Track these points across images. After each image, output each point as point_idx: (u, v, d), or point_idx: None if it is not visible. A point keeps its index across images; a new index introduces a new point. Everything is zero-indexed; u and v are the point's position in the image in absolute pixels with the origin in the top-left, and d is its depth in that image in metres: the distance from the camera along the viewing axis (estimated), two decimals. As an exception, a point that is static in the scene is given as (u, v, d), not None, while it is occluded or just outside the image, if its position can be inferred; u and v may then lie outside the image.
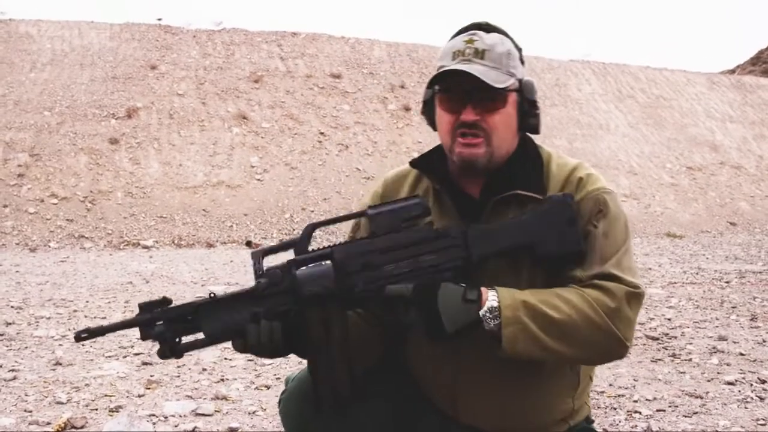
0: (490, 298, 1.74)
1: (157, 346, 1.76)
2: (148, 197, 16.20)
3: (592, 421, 2.16)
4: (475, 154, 1.88)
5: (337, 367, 1.77)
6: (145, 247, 14.03)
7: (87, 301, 7.41)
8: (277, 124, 19.61)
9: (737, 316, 6.66)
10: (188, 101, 19.67)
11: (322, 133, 19.64)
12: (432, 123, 2.02)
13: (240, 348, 1.77)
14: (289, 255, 1.79)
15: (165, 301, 1.76)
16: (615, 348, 1.77)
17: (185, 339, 1.78)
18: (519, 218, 1.84)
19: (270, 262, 1.73)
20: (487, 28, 1.96)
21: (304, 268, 1.76)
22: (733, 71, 37.51)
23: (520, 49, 1.97)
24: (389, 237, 1.80)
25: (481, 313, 1.73)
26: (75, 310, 6.84)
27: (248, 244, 14.46)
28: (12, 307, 7.01)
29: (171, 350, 1.76)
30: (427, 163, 2.03)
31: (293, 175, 17.91)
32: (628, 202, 20.39)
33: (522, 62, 1.97)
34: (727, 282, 9.11)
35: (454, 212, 1.95)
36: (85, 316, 6.54)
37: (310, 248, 1.79)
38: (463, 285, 1.75)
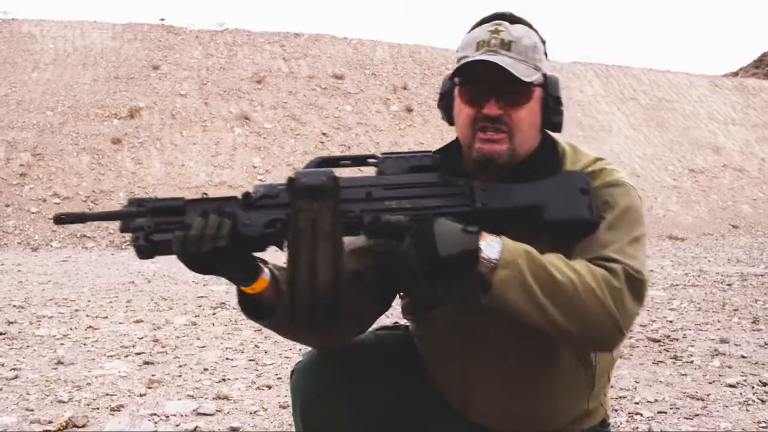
0: (492, 237, 1.65)
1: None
2: (150, 197, 16.19)
3: (608, 424, 2.10)
4: (497, 150, 1.79)
5: (320, 271, 1.61)
6: (147, 247, 14.04)
7: (89, 301, 7.42)
8: (279, 124, 19.61)
9: (739, 318, 6.65)
10: (191, 101, 19.68)
11: (324, 134, 19.64)
12: (449, 116, 1.93)
13: (178, 245, 1.60)
14: None
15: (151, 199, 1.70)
16: (610, 331, 1.65)
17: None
18: (530, 182, 1.76)
19: None
20: (512, 18, 1.86)
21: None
22: (736, 74, 37.47)
23: (544, 42, 1.89)
24: (395, 176, 1.75)
25: (481, 243, 1.62)
26: (77, 310, 6.85)
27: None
28: (14, 306, 7.02)
29: (154, 247, 1.65)
30: (444, 156, 1.90)
31: (295, 175, 17.90)
32: (630, 204, 20.36)
33: (546, 56, 1.89)
34: (729, 285, 9.10)
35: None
36: (87, 316, 6.55)
37: None
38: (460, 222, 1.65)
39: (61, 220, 1.64)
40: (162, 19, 23.44)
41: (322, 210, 1.61)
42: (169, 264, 11.17)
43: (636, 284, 1.67)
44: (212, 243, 1.58)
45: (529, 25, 1.88)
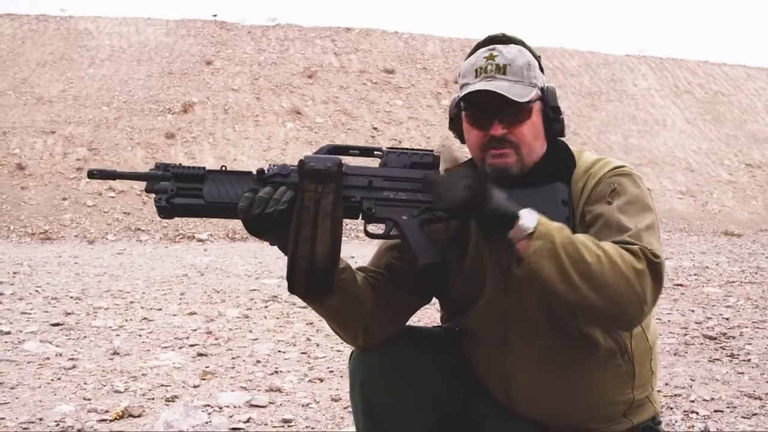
0: (530, 210, 1.76)
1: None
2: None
3: (660, 422, 2.11)
4: (508, 163, 1.94)
5: (318, 244, 1.80)
6: (200, 240, 14.22)
7: (143, 293, 7.53)
8: (330, 119, 19.69)
9: (798, 316, 6.50)
10: (243, 96, 19.86)
11: (375, 128, 19.67)
12: (460, 137, 2.09)
13: (244, 209, 1.80)
14: None
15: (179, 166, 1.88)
16: (634, 307, 1.72)
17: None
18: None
19: None
20: (504, 40, 2.02)
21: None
22: (794, 66, 36.61)
23: (538, 57, 2.03)
24: (396, 169, 1.93)
25: (520, 211, 1.74)
26: (132, 302, 6.96)
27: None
28: (71, 297, 7.15)
29: (174, 207, 1.85)
30: None
31: (346, 170, 17.96)
32: (685, 199, 20.08)
33: (542, 70, 2.03)
34: (787, 281, 8.91)
35: None
36: (142, 307, 6.65)
37: None
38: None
39: (93, 175, 1.87)
40: (215, 15, 23.73)
41: (326, 192, 1.79)
42: (222, 257, 11.30)
43: (655, 266, 1.75)
44: (275, 206, 1.79)
45: (522, 44, 2.03)
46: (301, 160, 1.82)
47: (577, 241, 1.73)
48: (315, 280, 1.83)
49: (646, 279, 1.72)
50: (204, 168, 1.88)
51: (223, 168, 1.90)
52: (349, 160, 1.89)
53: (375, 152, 1.97)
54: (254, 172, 1.88)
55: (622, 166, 1.95)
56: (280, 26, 23.64)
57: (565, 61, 25.41)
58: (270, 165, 1.89)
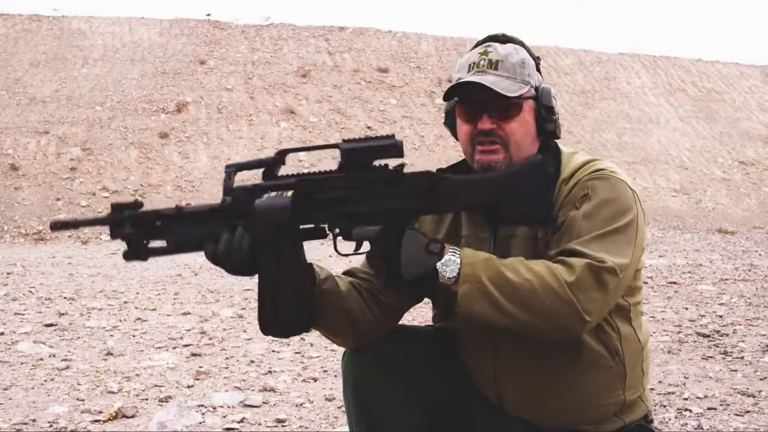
0: (451, 251, 1.78)
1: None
2: (197, 191, 16.39)
3: (651, 420, 2.12)
4: (494, 160, 1.94)
5: (280, 294, 1.79)
6: (194, 240, 14.19)
7: (137, 293, 7.52)
8: (324, 118, 19.70)
9: (791, 313, 6.52)
10: (236, 96, 19.85)
11: (369, 127, 19.67)
12: (454, 133, 2.09)
13: (210, 255, 1.79)
14: (259, 174, 1.87)
15: (136, 204, 1.85)
16: (572, 320, 1.74)
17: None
18: (491, 174, 1.88)
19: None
20: (503, 39, 2.03)
21: (266, 195, 1.80)
22: (787, 64, 36.68)
23: (536, 58, 2.04)
24: (357, 175, 1.82)
25: (437, 264, 1.76)
26: (125, 302, 6.95)
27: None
28: (65, 298, 7.15)
29: (136, 253, 1.83)
30: (454, 172, 2.03)
31: (340, 169, 17.97)
32: (679, 197, 20.11)
33: (539, 71, 2.03)
34: (780, 279, 8.93)
35: (482, 219, 2.01)
36: (136, 308, 6.64)
37: (280, 173, 1.85)
38: (426, 237, 1.82)
39: (56, 227, 1.87)
40: (208, 15, 23.71)
41: (282, 247, 1.77)
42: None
43: (598, 273, 1.75)
44: (238, 256, 1.78)
45: (521, 44, 2.03)
46: (252, 206, 1.77)
47: (505, 269, 1.75)
48: (282, 323, 1.82)
49: (581, 289, 1.73)
50: (160, 212, 1.85)
51: (177, 207, 1.86)
52: (309, 159, 1.82)
53: (330, 147, 1.91)
54: (214, 205, 1.84)
55: (603, 169, 1.92)
56: (274, 25, 23.63)
57: (558, 59, 25.44)
58: (226, 190, 1.84)
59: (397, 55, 23.02)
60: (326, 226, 1.83)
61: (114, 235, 1.85)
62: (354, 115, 20.02)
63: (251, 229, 1.77)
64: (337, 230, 1.83)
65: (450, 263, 1.76)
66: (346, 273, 2.06)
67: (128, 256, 1.83)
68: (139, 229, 1.82)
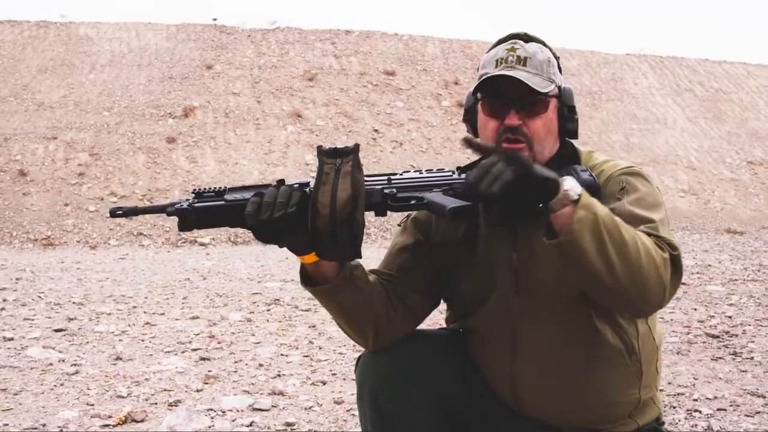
0: (572, 179, 1.72)
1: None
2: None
3: (663, 423, 2.12)
4: None
5: (339, 191, 1.70)
6: (202, 244, 14.22)
7: (146, 298, 7.54)
8: (331, 121, 19.70)
9: (801, 313, 6.50)
10: (243, 100, 19.88)
11: (376, 131, 19.67)
12: (474, 130, 2.06)
13: (252, 213, 1.72)
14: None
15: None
16: (658, 296, 1.73)
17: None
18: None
19: None
20: (526, 38, 2.03)
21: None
22: (795, 63, 36.54)
23: (558, 58, 2.05)
24: (412, 173, 1.89)
25: (562, 180, 1.69)
26: (134, 306, 6.97)
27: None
28: (74, 303, 7.16)
29: (190, 209, 1.80)
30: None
31: (347, 172, 17.96)
32: (687, 197, 20.05)
33: (560, 70, 2.05)
34: (790, 279, 8.90)
35: (495, 215, 1.98)
36: (144, 312, 6.65)
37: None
38: None
39: (116, 215, 1.82)
40: (215, 19, 23.75)
41: (344, 162, 1.71)
42: (224, 261, 11.30)
43: (675, 259, 1.76)
44: (283, 209, 1.70)
45: (543, 43, 2.04)
46: (319, 146, 1.75)
47: (620, 222, 1.70)
48: (338, 234, 1.69)
49: (669, 269, 1.73)
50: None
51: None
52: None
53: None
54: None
55: (632, 166, 1.95)
56: (280, 29, 23.66)
57: (565, 60, 25.39)
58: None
59: (404, 57, 23.02)
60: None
61: (172, 212, 1.81)
62: (361, 119, 20.02)
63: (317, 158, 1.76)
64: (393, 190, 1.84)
65: (575, 184, 1.69)
66: (370, 272, 2.03)
67: (184, 215, 1.80)
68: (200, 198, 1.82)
